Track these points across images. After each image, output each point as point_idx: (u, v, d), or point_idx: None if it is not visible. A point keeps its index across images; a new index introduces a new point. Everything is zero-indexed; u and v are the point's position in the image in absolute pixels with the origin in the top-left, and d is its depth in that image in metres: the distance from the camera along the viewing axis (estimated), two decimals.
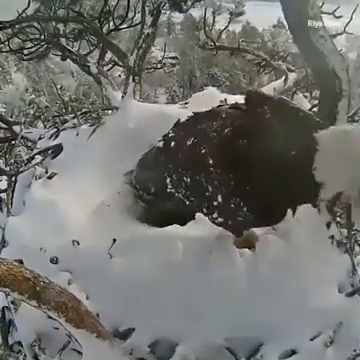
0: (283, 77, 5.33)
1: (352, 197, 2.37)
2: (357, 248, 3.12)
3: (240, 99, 2.80)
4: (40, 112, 5.75)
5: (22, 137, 4.49)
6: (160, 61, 6.19)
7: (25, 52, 5.15)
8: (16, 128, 4.62)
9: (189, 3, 4.73)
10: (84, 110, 4.57)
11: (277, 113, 2.39)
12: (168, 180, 2.75)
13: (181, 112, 3.92)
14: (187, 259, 2.77)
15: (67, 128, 4.12)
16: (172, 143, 2.72)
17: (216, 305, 2.64)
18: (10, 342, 3.03)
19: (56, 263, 2.90)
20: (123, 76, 4.82)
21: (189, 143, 2.56)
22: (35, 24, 4.84)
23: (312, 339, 2.57)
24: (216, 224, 2.60)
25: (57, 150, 3.90)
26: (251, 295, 2.62)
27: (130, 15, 4.91)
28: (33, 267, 2.25)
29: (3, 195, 3.87)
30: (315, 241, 2.81)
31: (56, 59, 5.64)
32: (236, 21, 6.51)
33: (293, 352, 2.57)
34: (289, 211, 2.48)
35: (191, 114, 2.75)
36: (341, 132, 2.34)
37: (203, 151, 2.46)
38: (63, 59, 5.14)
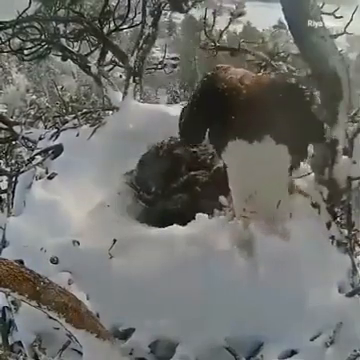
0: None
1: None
2: (357, 248, 3.11)
3: None
4: (41, 113, 5.74)
5: (23, 137, 4.48)
6: (161, 62, 6.17)
7: (26, 52, 5.14)
8: (17, 128, 4.62)
9: (190, 3, 4.73)
10: (84, 110, 4.56)
11: None
12: None
13: None
14: (187, 259, 2.77)
15: (67, 128, 4.13)
16: None
17: (216, 305, 2.64)
18: (10, 342, 3.02)
19: (56, 263, 2.90)
20: (124, 77, 4.81)
21: None
22: (35, 24, 4.83)
23: (312, 339, 2.56)
24: None
25: (57, 150, 3.90)
26: (251, 295, 2.62)
27: (131, 15, 4.90)
28: (33, 267, 2.25)
29: (4, 195, 3.88)
30: (315, 241, 2.81)
31: (57, 59, 5.63)
32: (237, 22, 6.48)
33: (293, 352, 2.57)
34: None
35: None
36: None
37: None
38: (64, 59, 5.13)
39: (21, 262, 2.76)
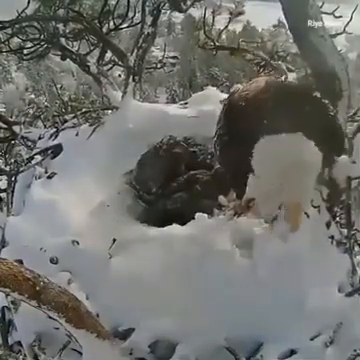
0: (283, 77, 5.32)
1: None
2: (357, 248, 3.12)
3: None
4: (40, 112, 5.72)
5: (22, 137, 4.48)
6: (160, 61, 6.17)
7: (25, 52, 5.14)
8: (16, 128, 4.61)
9: (189, 3, 4.73)
10: (84, 110, 4.55)
11: None
12: None
13: (181, 112, 3.93)
14: (187, 259, 2.77)
15: (67, 128, 4.12)
16: None
17: (216, 305, 2.64)
18: (10, 342, 3.02)
19: (56, 263, 2.90)
20: (123, 76, 4.80)
21: None
22: (35, 24, 4.83)
23: (312, 339, 2.57)
24: None
25: (57, 150, 3.90)
26: (251, 295, 2.62)
27: (130, 15, 4.90)
28: (33, 267, 2.25)
29: (3, 195, 3.88)
30: (315, 241, 2.81)
31: (56, 59, 5.63)
32: (236, 21, 6.48)
33: (293, 352, 2.57)
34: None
35: None
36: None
37: None
38: (63, 59, 5.13)
39: (21, 262, 2.75)
